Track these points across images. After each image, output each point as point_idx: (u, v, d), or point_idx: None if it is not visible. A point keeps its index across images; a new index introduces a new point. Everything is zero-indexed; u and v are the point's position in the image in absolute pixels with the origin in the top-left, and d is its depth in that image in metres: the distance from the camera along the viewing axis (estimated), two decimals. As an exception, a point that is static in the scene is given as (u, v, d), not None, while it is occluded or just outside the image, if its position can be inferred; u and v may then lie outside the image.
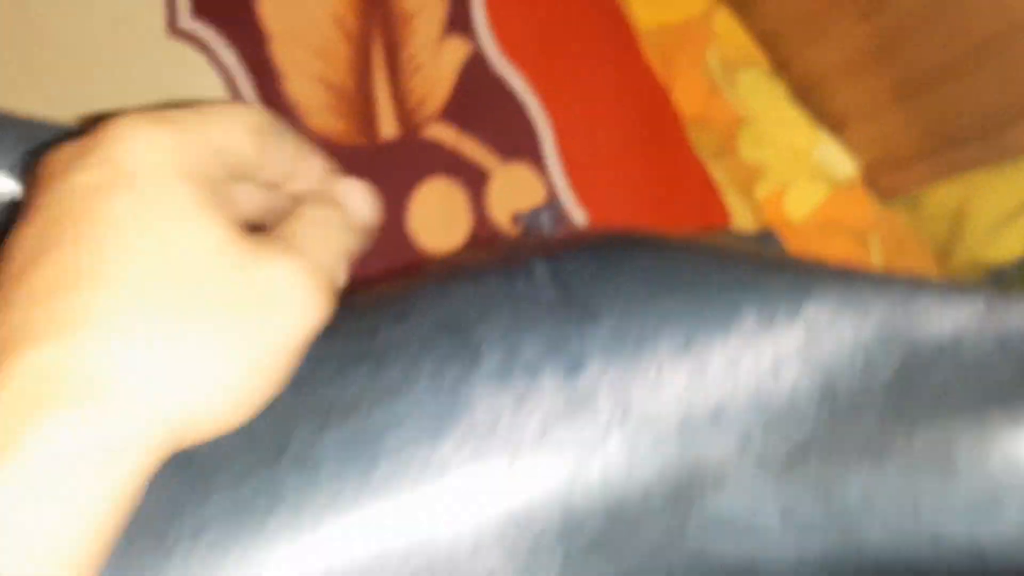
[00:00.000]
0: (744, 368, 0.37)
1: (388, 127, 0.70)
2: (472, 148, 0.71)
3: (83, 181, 0.28)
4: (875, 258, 0.70)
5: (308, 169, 0.35)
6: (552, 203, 0.56)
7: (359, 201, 0.37)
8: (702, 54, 0.75)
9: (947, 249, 0.71)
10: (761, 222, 0.73)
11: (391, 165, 0.69)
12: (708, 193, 0.74)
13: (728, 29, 0.75)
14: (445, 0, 0.72)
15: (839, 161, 0.72)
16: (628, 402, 0.38)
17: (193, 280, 0.28)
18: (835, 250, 0.71)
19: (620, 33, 0.74)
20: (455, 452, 0.38)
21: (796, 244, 0.72)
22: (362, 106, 0.70)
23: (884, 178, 0.71)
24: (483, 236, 0.71)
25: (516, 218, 0.56)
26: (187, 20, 0.70)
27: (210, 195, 0.29)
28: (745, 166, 0.74)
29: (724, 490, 0.36)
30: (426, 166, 0.70)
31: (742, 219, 0.73)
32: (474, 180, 0.71)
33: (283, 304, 0.30)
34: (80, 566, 0.25)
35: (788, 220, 0.72)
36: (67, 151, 0.30)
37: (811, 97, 0.73)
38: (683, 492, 0.37)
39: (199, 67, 0.68)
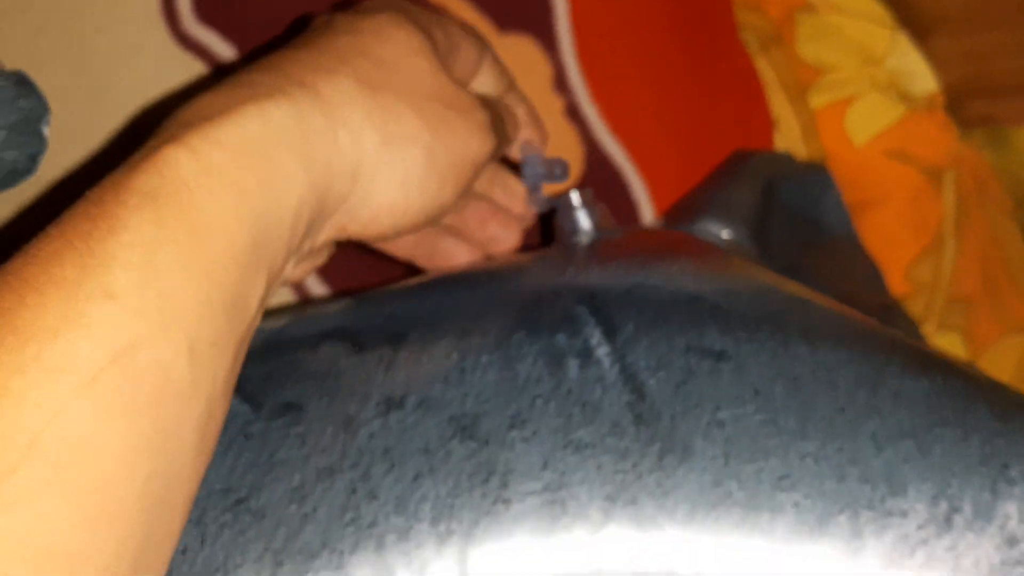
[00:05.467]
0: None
1: (355, -27, 0.55)
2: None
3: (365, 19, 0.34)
4: (948, 201, 0.59)
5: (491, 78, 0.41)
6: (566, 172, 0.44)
7: (532, 119, 0.45)
8: (768, -88, 0.60)
9: (1030, 197, 0.60)
10: (812, 138, 0.60)
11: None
12: (752, 95, 0.61)
13: None
14: None
15: (920, 74, 0.60)
16: (724, 597, 0.27)
17: (406, 63, 0.33)
18: (900, 186, 0.59)
19: None
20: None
21: (854, 173, 0.60)
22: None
23: (972, 104, 0.59)
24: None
25: (532, 197, 0.43)
26: None
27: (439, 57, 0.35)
28: (801, 64, 0.61)
29: None
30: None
31: (789, 133, 0.60)
32: (462, 53, 0.56)
33: (471, 127, 0.34)
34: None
35: (848, 141, 0.60)
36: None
37: (899, -12, 0.60)
38: None
39: None
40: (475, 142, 0.34)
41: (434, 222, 0.35)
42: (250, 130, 0.28)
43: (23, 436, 0.21)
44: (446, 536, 0.28)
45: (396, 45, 0.33)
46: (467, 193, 0.35)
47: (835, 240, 0.58)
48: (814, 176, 0.59)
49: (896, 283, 0.60)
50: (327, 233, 0.32)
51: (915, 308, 0.59)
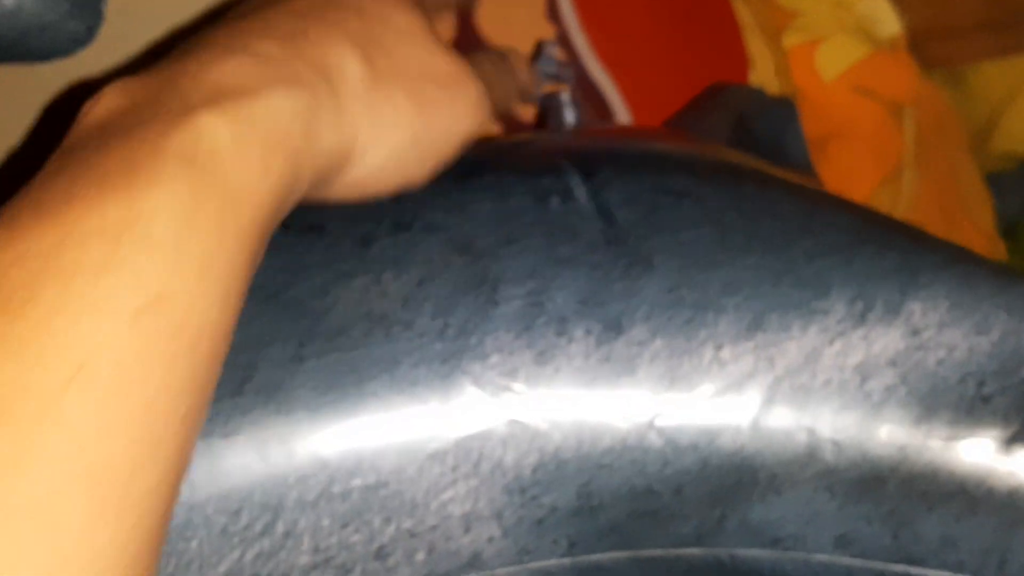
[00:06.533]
0: (824, 365, 0.32)
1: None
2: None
3: None
4: (908, 134, 0.65)
5: None
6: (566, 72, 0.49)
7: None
8: None
9: (985, 134, 0.66)
10: (785, 75, 0.66)
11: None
12: (730, 34, 0.66)
13: None
14: None
15: (885, 17, 0.65)
16: (672, 383, 0.33)
17: (403, 48, 0.34)
18: (865, 119, 0.65)
19: None
20: (457, 409, 0.33)
21: (822, 107, 0.66)
22: None
23: (932, 45, 0.65)
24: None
25: (524, 95, 0.49)
26: None
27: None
28: (777, 8, 0.66)
29: (776, 501, 0.32)
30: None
31: (763, 70, 0.66)
32: (464, -17, 0.62)
33: (460, 107, 0.34)
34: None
35: (817, 77, 0.66)
36: None
37: (867, -63, 0.66)
38: (726, 493, 0.33)
39: None
40: (463, 122, 0.35)
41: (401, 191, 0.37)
42: (278, 114, 0.29)
43: (73, 360, 0.22)
44: (443, 329, 0.33)
45: (397, 32, 0.34)
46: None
47: (794, 169, 0.64)
48: (780, 109, 0.64)
49: (857, 207, 0.65)
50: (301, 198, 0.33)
51: (874, 230, 0.64)
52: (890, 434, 0.31)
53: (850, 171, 0.66)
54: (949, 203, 0.67)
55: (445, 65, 0.35)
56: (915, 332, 0.32)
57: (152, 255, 0.24)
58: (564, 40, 0.64)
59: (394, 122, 0.33)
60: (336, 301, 0.33)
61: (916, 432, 0.31)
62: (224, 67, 0.29)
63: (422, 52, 0.34)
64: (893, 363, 0.31)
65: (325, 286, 0.34)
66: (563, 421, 0.33)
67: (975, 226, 0.68)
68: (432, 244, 0.35)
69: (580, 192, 0.36)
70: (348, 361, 0.33)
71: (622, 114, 0.65)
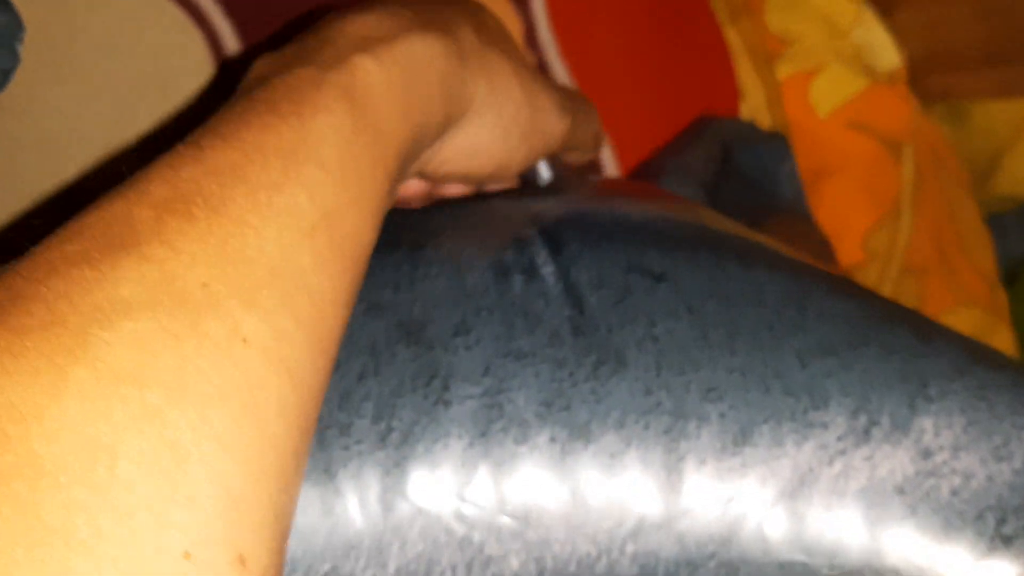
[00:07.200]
0: (821, 489, 0.28)
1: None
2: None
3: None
4: (906, 173, 0.61)
5: None
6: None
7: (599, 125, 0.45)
8: None
9: (986, 175, 0.62)
10: (777, 108, 0.62)
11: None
12: (719, 64, 0.62)
13: None
14: None
15: (883, 49, 0.61)
16: (648, 503, 0.28)
17: (506, 38, 0.37)
18: (860, 157, 0.61)
19: None
20: (399, 530, 0.29)
21: (815, 143, 0.61)
22: None
23: (932, 78, 0.61)
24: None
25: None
26: None
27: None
28: (769, 35, 0.62)
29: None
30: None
31: (754, 101, 0.62)
32: (435, 5, 0.57)
33: (554, 105, 0.38)
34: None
35: (811, 111, 0.61)
36: None
37: (865, -37, 0.61)
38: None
39: None
40: (554, 114, 0.38)
41: (492, 180, 0.39)
42: (416, 55, 0.32)
43: (265, 262, 0.24)
44: (386, 433, 0.29)
45: (499, 25, 0.38)
46: (529, 164, 0.39)
47: (787, 211, 0.60)
48: (772, 146, 0.60)
49: (852, 251, 0.61)
50: (417, 164, 0.35)
51: (869, 277, 0.60)
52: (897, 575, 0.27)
53: (846, 210, 0.62)
54: (946, 243, 0.63)
55: (533, 66, 0.38)
56: (926, 454, 0.28)
57: (322, 175, 0.27)
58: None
59: (505, 90, 0.36)
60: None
61: (926, 574, 0.27)
62: (365, 21, 0.32)
63: (515, 45, 0.38)
64: (901, 490, 0.27)
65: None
66: (522, 544, 0.29)
67: (975, 269, 0.64)
68: (377, 330, 0.31)
69: (547, 270, 0.32)
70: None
71: (604, 148, 0.61)
